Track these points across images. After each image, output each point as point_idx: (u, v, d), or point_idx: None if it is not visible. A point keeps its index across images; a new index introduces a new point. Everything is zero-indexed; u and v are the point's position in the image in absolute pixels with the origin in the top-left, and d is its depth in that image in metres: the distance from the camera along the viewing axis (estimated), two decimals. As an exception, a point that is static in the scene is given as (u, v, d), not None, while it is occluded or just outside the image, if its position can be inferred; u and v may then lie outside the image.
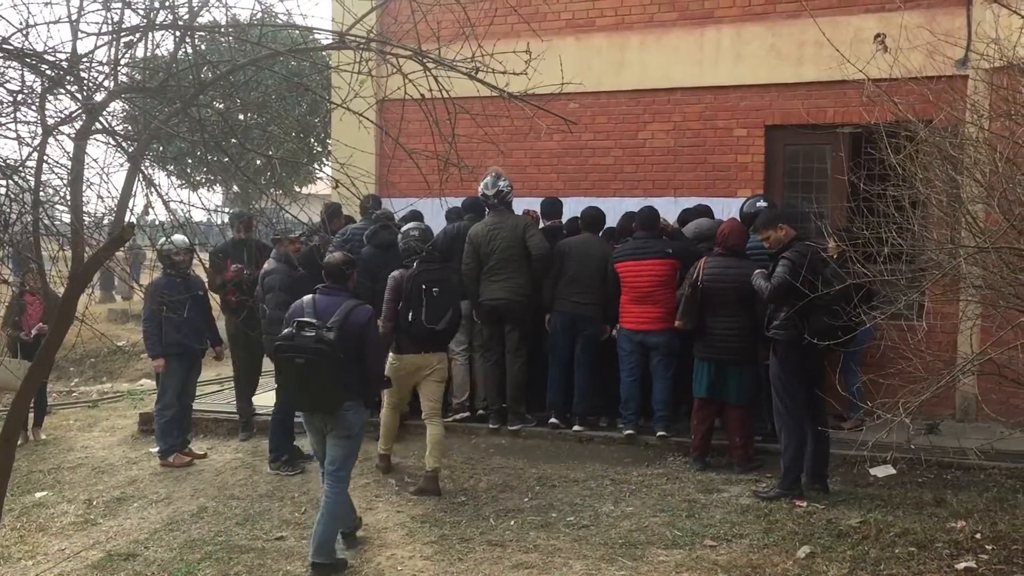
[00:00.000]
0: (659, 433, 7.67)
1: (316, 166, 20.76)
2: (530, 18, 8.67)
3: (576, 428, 8.02)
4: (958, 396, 8.16)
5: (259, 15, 3.53)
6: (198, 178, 20.64)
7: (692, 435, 7.27)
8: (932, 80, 5.63)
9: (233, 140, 3.57)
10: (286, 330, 5.38)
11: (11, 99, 2.79)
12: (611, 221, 8.47)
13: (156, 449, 8.07)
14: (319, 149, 19.27)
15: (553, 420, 8.13)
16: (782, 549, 5.49)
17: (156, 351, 7.81)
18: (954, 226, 4.88)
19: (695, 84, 9.16)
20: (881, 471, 6.86)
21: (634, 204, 8.84)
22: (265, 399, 8.74)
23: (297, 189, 20.76)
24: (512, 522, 6.14)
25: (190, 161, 17.03)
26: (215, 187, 21.51)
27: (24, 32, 2.80)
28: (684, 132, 9.25)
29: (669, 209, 8.69)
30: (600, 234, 8.26)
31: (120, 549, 6.02)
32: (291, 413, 7.22)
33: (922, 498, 6.33)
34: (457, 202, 8.44)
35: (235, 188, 19.92)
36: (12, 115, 2.83)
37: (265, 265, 7.69)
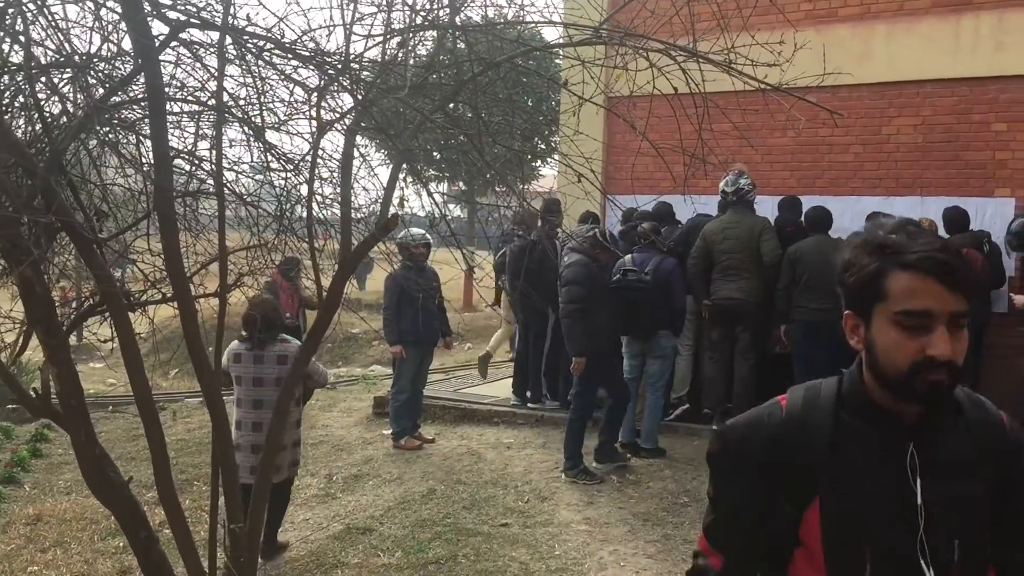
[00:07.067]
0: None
1: (540, 163, 21.15)
2: (766, 10, 8.37)
3: None
4: None
5: (508, 12, 3.64)
6: (427, 174, 21.59)
7: None
8: None
9: (462, 137, 3.68)
10: (616, 276, 7.30)
11: (305, 98, 3.03)
12: (849, 220, 8.05)
13: (389, 431, 8.47)
14: (542, 147, 19.59)
15: None
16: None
17: (393, 338, 8.16)
18: None
19: (948, 75, 8.53)
20: None
21: (875, 204, 8.38)
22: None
23: (521, 186, 21.22)
24: (738, 528, 5.96)
25: (421, 156, 17.79)
26: (442, 183, 22.43)
27: (311, 36, 3.03)
28: (934, 127, 8.63)
29: (915, 209, 8.15)
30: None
31: (358, 523, 6.37)
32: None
33: None
34: (701, 200, 8.20)
35: (461, 184, 20.65)
36: (307, 112, 3.08)
37: (565, 259, 7.54)
